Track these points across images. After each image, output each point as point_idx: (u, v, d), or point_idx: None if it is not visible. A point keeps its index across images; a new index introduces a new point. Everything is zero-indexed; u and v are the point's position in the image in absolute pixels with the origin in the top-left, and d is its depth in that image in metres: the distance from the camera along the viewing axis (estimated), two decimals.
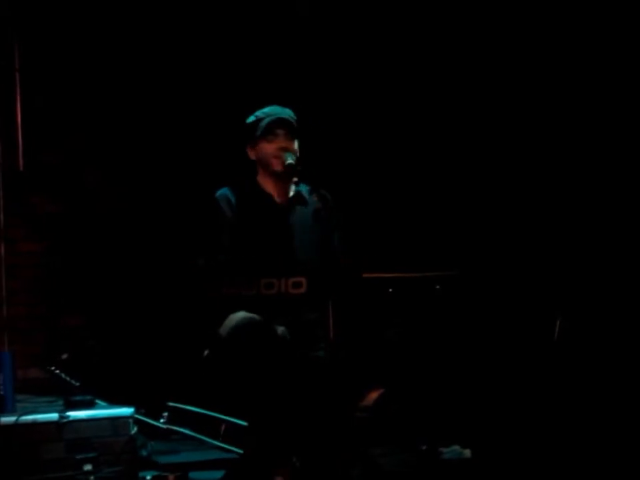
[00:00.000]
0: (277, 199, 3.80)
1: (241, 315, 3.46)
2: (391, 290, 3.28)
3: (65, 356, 4.61)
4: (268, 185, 3.80)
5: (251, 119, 3.81)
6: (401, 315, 3.42)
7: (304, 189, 3.82)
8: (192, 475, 4.09)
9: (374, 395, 3.55)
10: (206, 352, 3.62)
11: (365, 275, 3.28)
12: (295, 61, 5.57)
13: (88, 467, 3.87)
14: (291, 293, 3.17)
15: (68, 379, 4.19)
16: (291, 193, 3.82)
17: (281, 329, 3.52)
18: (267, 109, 3.80)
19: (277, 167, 3.71)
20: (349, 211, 3.91)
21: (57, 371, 4.28)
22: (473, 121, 5.21)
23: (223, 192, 3.77)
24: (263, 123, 3.73)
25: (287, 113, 3.79)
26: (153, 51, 5.67)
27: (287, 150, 3.70)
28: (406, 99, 5.43)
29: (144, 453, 4.30)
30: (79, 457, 3.86)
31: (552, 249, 4.74)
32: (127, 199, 5.70)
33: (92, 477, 3.85)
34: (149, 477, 4.08)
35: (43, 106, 5.49)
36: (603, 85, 4.65)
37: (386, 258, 4.93)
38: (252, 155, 3.81)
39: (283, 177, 3.75)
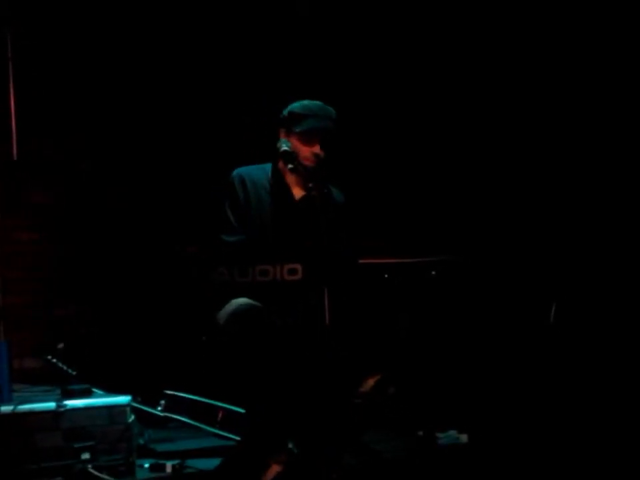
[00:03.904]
0: (294, 189, 3.75)
1: (240, 300, 3.46)
2: (386, 276, 3.28)
3: (61, 345, 4.60)
4: (287, 174, 3.75)
5: (296, 107, 3.72)
6: (397, 301, 3.43)
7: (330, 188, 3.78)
8: (189, 462, 4.08)
9: (370, 381, 3.55)
10: (204, 337, 3.62)
11: (360, 261, 3.28)
12: (297, 54, 5.57)
13: (85, 456, 3.88)
14: (286, 279, 3.17)
15: (65, 368, 4.19)
16: (309, 186, 3.76)
17: (278, 316, 3.52)
18: (315, 107, 3.71)
19: (306, 162, 3.66)
20: (346, 197, 3.91)
21: (54, 360, 4.27)
22: (470, 112, 5.22)
23: (238, 172, 3.73)
24: (307, 125, 3.66)
25: (328, 120, 3.69)
26: (153, 49, 5.65)
27: (319, 157, 3.66)
28: (403, 89, 5.44)
29: (141, 441, 4.30)
30: (76, 445, 3.87)
31: (547, 234, 4.75)
32: (120, 189, 5.69)
33: (89, 466, 3.86)
34: (146, 465, 4.08)
35: (37, 96, 5.47)
36: (602, 82, 4.66)
37: (382, 244, 4.93)
38: (282, 137, 3.73)
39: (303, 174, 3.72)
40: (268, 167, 3.80)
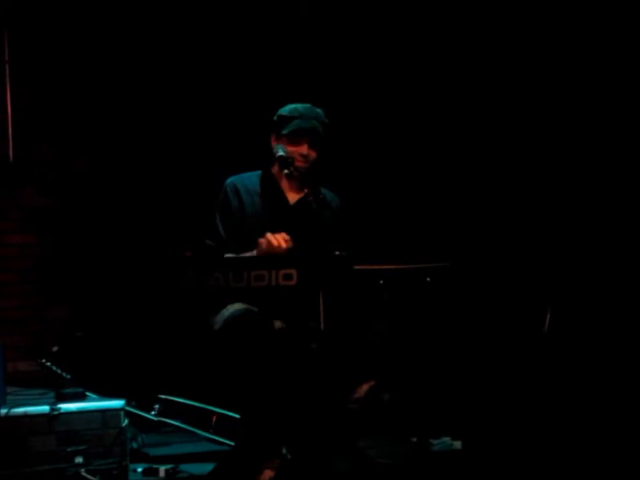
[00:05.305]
0: (288, 193, 3.78)
1: (236, 305, 3.47)
2: (381, 282, 3.28)
3: (55, 348, 4.60)
4: (281, 179, 3.78)
5: (284, 110, 3.76)
6: (391, 307, 3.42)
7: (324, 192, 3.79)
8: (183, 467, 4.09)
9: (364, 387, 3.55)
10: (199, 342, 3.62)
11: (355, 267, 3.27)
12: (297, 54, 5.57)
13: (79, 459, 3.88)
14: (281, 284, 3.17)
15: (59, 371, 4.19)
16: (304, 191, 3.77)
17: (273, 321, 3.52)
18: (301, 108, 3.74)
19: (297, 163, 3.68)
20: (342, 200, 3.91)
21: (48, 364, 4.27)
22: (461, 117, 5.23)
23: (231, 180, 3.76)
24: (293, 126, 3.69)
25: (315, 120, 3.71)
26: (152, 50, 5.64)
27: (307, 157, 3.68)
28: (399, 94, 5.44)
29: (135, 445, 4.31)
30: (69, 449, 3.87)
31: (542, 240, 4.75)
32: (117, 192, 5.68)
33: (82, 469, 3.86)
34: (139, 469, 4.09)
35: (34, 98, 5.46)
36: (596, 84, 4.67)
37: (376, 250, 4.93)
38: (274, 144, 3.77)
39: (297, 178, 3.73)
40: (260, 173, 3.82)
